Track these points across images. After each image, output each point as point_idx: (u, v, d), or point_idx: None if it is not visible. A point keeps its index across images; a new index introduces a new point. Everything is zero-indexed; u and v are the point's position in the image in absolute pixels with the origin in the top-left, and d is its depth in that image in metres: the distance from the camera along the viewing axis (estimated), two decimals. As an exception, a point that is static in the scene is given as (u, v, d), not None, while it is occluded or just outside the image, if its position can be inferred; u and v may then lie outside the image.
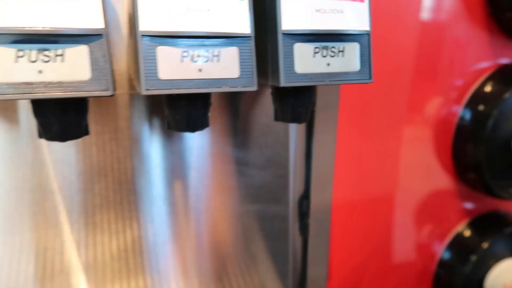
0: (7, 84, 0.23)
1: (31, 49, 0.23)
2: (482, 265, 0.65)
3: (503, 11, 0.57)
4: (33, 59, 0.23)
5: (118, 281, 0.45)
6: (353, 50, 0.32)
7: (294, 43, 0.30)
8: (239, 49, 0.28)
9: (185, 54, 0.27)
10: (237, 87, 0.28)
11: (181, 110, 0.31)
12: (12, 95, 0.23)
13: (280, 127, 0.49)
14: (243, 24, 0.28)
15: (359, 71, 0.32)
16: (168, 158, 0.44)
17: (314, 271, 0.55)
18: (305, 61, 0.30)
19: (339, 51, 0.31)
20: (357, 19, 0.31)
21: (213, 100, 0.36)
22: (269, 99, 0.46)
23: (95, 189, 0.42)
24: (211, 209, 0.48)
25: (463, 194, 0.66)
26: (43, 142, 0.39)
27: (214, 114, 0.45)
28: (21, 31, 0.23)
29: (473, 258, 0.64)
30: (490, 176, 0.60)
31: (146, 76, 0.26)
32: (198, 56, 0.27)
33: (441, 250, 0.68)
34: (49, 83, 0.23)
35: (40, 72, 0.23)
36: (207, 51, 0.27)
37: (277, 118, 0.37)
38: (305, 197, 0.52)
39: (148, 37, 0.26)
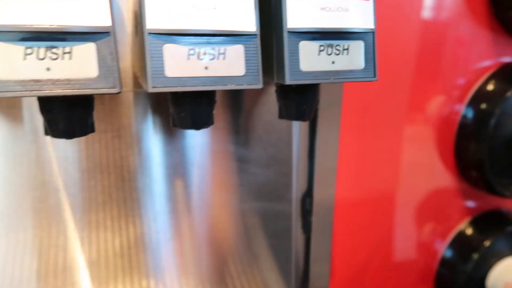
0: (16, 81, 0.23)
1: (39, 47, 0.23)
2: (484, 263, 0.65)
3: (506, 10, 0.58)
4: (41, 56, 0.23)
5: (121, 278, 0.45)
6: (357, 48, 0.32)
7: (300, 41, 0.30)
8: (245, 47, 0.28)
9: (192, 52, 0.27)
10: (242, 84, 0.29)
11: (186, 108, 0.31)
12: (20, 92, 0.23)
13: (283, 125, 0.49)
14: (248, 22, 0.28)
15: (363, 69, 0.33)
16: (171, 156, 0.45)
17: (316, 269, 0.55)
18: (310, 59, 0.30)
19: (344, 49, 0.31)
20: (361, 17, 0.32)
21: (217, 98, 0.36)
22: (272, 97, 0.46)
23: (98, 187, 0.42)
24: (214, 207, 0.48)
25: (465, 192, 0.66)
26: (48, 139, 0.39)
27: (217, 112, 0.45)
28: (29, 28, 0.23)
29: (475, 256, 0.64)
30: (493, 174, 0.60)
31: (153, 74, 0.26)
32: (204, 54, 0.27)
33: (443, 248, 0.68)
34: (57, 80, 0.24)
35: (48, 69, 0.23)
36: (213, 49, 0.27)
37: (281, 116, 0.38)
38: (308, 195, 0.52)
39: (155, 35, 0.26)
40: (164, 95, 0.42)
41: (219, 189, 0.48)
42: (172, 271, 0.48)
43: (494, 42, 0.61)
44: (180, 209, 0.47)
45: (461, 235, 0.67)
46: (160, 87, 0.26)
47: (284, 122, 0.48)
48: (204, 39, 0.27)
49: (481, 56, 0.61)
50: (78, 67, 0.24)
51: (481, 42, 0.60)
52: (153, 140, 0.43)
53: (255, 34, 0.29)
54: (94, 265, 0.44)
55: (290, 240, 0.53)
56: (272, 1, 0.31)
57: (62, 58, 0.24)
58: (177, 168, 0.45)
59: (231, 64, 0.28)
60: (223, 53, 0.28)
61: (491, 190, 0.63)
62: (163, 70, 0.26)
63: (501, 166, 0.61)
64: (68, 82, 0.24)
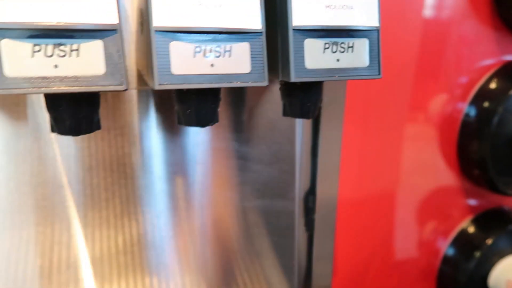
0: (23, 78, 0.23)
1: (47, 44, 0.23)
2: (486, 261, 0.65)
3: (508, 8, 0.58)
4: (49, 53, 0.23)
5: (124, 275, 0.45)
6: (362, 46, 0.32)
7: (305, 39, 0.30)
8: (250, 45, 0.28)
9: (198, 49, 0.27)
10: (248, 82, 0.29)
11: (192, 105, 0.31)
12: (28, 89, 0.23)
13: (286, 123, 0.49)
14: (254, 20, 0.28)
15: (368, 66, 0.33)
16: (174, 153, 0.45)
17: (319, 266, 0.55)
18: (315, 57, 0.31)
19: (349, 47, 0.32)
20: (366, 15, 0.32)
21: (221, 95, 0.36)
22: (275, 95, 0.47)
23: (103, 184, 0.42)
24: (217, 205, 0.49)
25: (467, 190, 0.66)
26: (53, 137, 0.39)
27: (221, 109, 0.45)
28: (37, 26, 0.23)
29: (477, 254, 0.64)
30: (495, 172, 0.60)
31: (159, 71, 0.26)
32: (210, 51, 0.27)
33: (445, 247, 0.68)
34: (65, 77, 0.24)
35: (56, 66, 0.24)
36: (219, 46, 0.28)
37: (286, 113, 0.38)
38: (311, 193, 0.52)
39: (161, 32, 0.26)
40: (168, 93, 0.42)
41: (222, 187, 0.48)
42: (175, 269, 0.48)
43: (497, 41, 0.61)
44: (183, 206, 0.47)
45: (463, 233, 0.67)
46: (166, 84, 0.26)
47: (287, 120, 0.48)
48: (210, 36, 0.27)
49: (483, 54, 0.61)
50: (85, 64, 0.24)
51: (484, 40, 0.60)
52: (156, 138, 0.43)
53: (261, 32, 0.29)
54: (97, 262, 0.44)
55: (293, 238, 0.53)
56: (278, -2, 0.31)
57: (70, 55, 0.24)
58: (180, 166, 0.45)
59: (237, 62, 0.28)
60: (229, 51, 0.28)
61: (494, 188, 0.63)
62: (169, 68, 0.26)
63: (504, 165, 0.61)
64: (75, 79, 0.24)
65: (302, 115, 0.36)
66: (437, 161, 0.62)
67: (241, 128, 0.47)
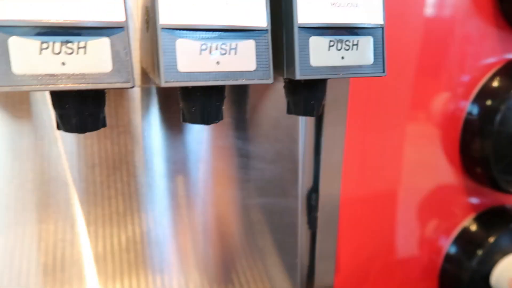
0: (31, 75, 0.23)
1: (54, 41, 0.23)
2: (488, 260, 0.65)
3: (511, 6, 0.58)
4: (57, 51, 0.24)
5: (127, 273, 0.46)
6: (367, 43, 0.32)
7: (310, 36, 0.30)
8: (256, 42, 0.29)
9: (204, 47, 0.27)
10: (253, 79, 0.29)
11: (197, 103, 0.31)
12: (36, 86, 0.23)
13: (289, 121, 0.49)
14: (260, 17, 0.28)
15: (372, 64, 0.33)
16: (177, 151, 0.45)
17: (322, 264, 0.55)
18: (320, 54, 0.31)
19: (353, 45, 0.32)
20: (371, 12, 0.32)
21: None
22: (278, 93, 0.47)
23: (108, 182, 0.43)
24: (220, 203, 0.49)
25: (469, 189, 0.67)
26: (58, 135, 0.40)
27: (224, 107, 0.45)
28: (45, 23, 0.23)
29: (479, 252, 0.65)
30: (498, 171, 0.60)
31: (166, 69, 0.26)
32: (216, 49, 0.27)
33: (447, 245, 0.68)
34: (72, 74, 0.24)
35: (63, 64, 0.24)
36: (224, 44, 0.28)
37: (290, 111, 0.38)
38: (314, 191, 0.52)
39: (168, 30, 0.26)
40: (171, 90, 0.42)
41: (224, 185, 0.48)
42: (178, 266, 0.48)
43: (500, 39, 0.61)
44: (186, 204, 0.47)
45: (465, 231, 0.67)
46: (172, 81, 0.26)
47: (290, 118, 0.48)
48: (216, 34, 0.27)
49: (486, 52, 0.61)
50: (92, 61, 0.24)
51: (487, 38, 0.60)
52: (160, 136, 0.44)
53: (266, 30, 0.29)
54: (101, 260, 0.44)
55: (296, 236, 0.53)
56: (283, -4, 0.31)
57: (77, 53, 0.24)
58: (183, 164, 0.45)
59: (242, 59, 0.28)
60: (235, 48, 0.28)
61: (496, 186, 0.63)
62: (175, 65, 0.26)
63: (506, 163, 0.61)
64: (82, 76, 0.24)
65: (306, 113, 0.36)
66: (439, 159, 0.62)
67: (244, 126, 0.47)
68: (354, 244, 0.60)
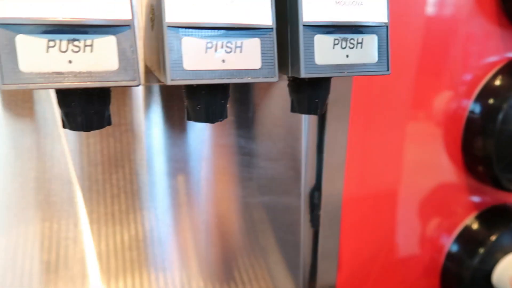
0: (38, 73, 0.23)
1: (61, 39, 0.23)
2: (490, 258, 0.65)
3: (513, 5, 0.58)
4: (64, 49, 0.24)
5: (130, 271, 0.46)
6: (371, 42, 0.32)
7: (315, 34, 0.30)
8: (261, 41, 0.29)
9: (209, 45, 0.27)
10: (258, 78, 0.29)
11: (201, 101, 0.31)
12: (42, 84, 0.23)
13: (292, 119, 0.49)
14: (265, 16, 0.28)
15: (376, 62, 0.33)
16: (180, 149, 0.45)
17: (324, 262, 0.55)
18: (325, 53, 0.31)
19: (358, 43, 0.32)
20: (375, 11, 0.32)
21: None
22: (282, 91, 0.47)
23: (110, 180, 0.43)
24: (223, 201, 0.49)
25: (471, 187, 0.67)
26: (61, 133, 0.40)
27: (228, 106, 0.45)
28: (52, 21, 0.23)
29: (481, 250, 0.65)
30: (500, 169, 0.60)
31: (172, 67, 0.26)
32: (222, 47, 0.28)
33: (449, 243, 0.68)
34: (79, 72, 0.24)
35: (70, 62, 0.24)
36: (230, 42, 0.28)
37: (294, 109, 0.38)
38: (316, 189, 0.52)
39: (174, 28, 0.26)
40: (174, 89, 0.42)
41: (227, 183, 0.48)
42: (181, 264, 0.48)
43: (502, 37, 0.61)
44: (189, 203, 0.47)
45: (467, 229, 0.68)
46: (178, 79, 0.26)
47: (293, 117, 0.48)
48: (222, 32, 0.28)
49: (488, 51, 0.61)
50: (99, 59, 0.24)
51: (489, 37, 0.60)
52: (163, 134, 0.44)
53: (272, 28, 0.29)
54: (104, 258, 0.44)
55: (298, 234, 0.53)
56: (288, -5, 0.31)
57: (84, 51, 0.24)
58: (186, 162, 0.46)
59: (248, 57, 0.28)
60: (240, 46, 0.28)
61: (498, 185, 0.64)
62: (181, 63, 0.26)
63: (508, 161, 0.61)
64: (89, 74, 0.24)
65: (310, 111, 0.37)
66: (441, 157, 0.62)
67: (247, 125, 0.47)
68: (356, 242, 0.60)
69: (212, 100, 0.31)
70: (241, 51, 0.28)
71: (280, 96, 0.47)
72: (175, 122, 0.44)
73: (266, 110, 0.47)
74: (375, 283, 0.63)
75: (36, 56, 0.23)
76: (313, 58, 0.30)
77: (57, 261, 0.42)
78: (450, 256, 0.68)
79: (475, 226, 0.67)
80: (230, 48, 0.28)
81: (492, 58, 0.61)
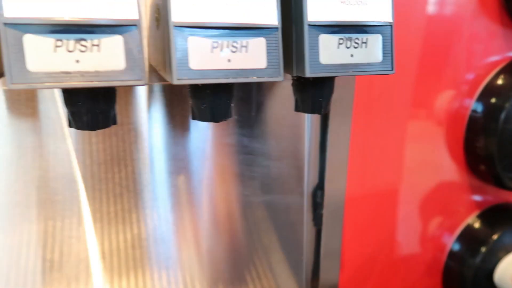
0: (45, 73, 0.23)
1: (68, 39, 0.24)
2: (491, 257, 0.65)
3: (516, 4, 0.58)
4: (71, 48, 0.24)
5: (133, 269, 0.46)
6: (376, 41, 0.32)
7: (320, 34, 0.30)
8: (267, 40, 0.29)
9: (215, 44, 0.27)
10: (264, 77, 0.29)
11: (207, 100, 0.31)
12: (50, 84, 0.23)
13: (295, 118, 0.49)
14: (270, 15, 0.29)
15: (381, 62, 0.33)
16: (184, 148, 0.45)
17: (327, 261, 0.55)
18: (330, 52, 0.31)
19: (363, 43, 0.32)
20: (380, 11, 0.32)
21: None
22: (285, 91, 0.47)
23: (114, 179, 0.43)
24: (226, 200, 0.49)
25: (473, 186, 0.67)
26: (65, 132, 0.40)
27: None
28: (59, 21, 0.23)
29: (483, 249, 0.65)
30: (502, 168, 0.61)
31: (178, 66, 0.26)
32: (227, 46, 0.28)
33: (451, 242, 0.68)
34: (86, 72, 0.24)
35: (77, 61, 0.24)
36: (235, 41, 0.28)
37: (297, 109, 0.38)
38: (319, 188, 0.52)
39: (180, 27, 0.26)
40: (178, 88, 0.42)
41: (230, 182, 0.49)
42: (183, 263, 0.48)
43: (504, 37, 0.61)
44: (191, 201, 0.47)
45: (469, 228, 0.68)
46: (184, 79, 0.26)
47: (296, 116, 0.48)
48: (227, 32, 0.28)
49: (491, 50, 0.61)
50: (106, 59, 0.24)
51: (491, 36, 0.60)
52: (166, 133, 0.44)
53: (277, 28, 0.29)
54: (107, 256, 0.44)
55: (301, 233, 0.53)
56: (293, -6, 0.31)
57: (91, 51, 0.24)
58: (189, 161, 0.46)
59: (253, 57, 0.28)
60: (246, 46, 0.28)
61: (500, 184, 0.64)
62: (187, 63, 0.27)
63: (510, 160, 0.61)
64: (96, 74, 0.24)
65: (314, 110, 0.37)
66: (444, 157, 0.62)
67: (249, 124, 0.47)
68: (359, 241, 0.60)
69: (217, 99, 0.31)
70: (246, 51, 0.28)
71: (282, 95, 0.47)
72: (178, 121, 0.44)
73: (269, 109, 0.48)
74: (377, 282, 0.64)
75: (43, 56, 0.23)
76: (318, 58, 0.30)
77: (60, 260, 0.42)
78: (452, 254, 0.68)
79: (477, 225, 0.68)
80: (236, 47, 0.28)
81: (495, 58, 0.61)
